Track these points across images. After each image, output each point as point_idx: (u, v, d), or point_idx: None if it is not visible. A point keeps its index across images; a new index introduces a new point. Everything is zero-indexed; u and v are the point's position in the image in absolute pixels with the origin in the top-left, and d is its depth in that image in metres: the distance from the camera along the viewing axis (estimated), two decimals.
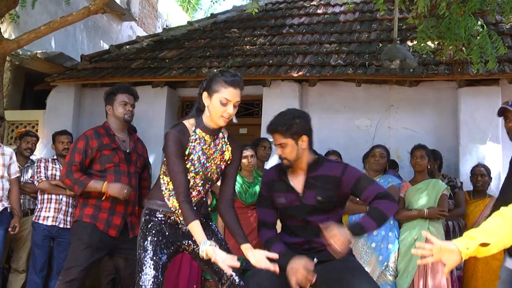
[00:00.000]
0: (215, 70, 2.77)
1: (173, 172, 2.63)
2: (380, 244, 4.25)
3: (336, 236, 2.47)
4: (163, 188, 2.79)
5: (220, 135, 2.80)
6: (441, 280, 4.21)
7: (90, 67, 6.93)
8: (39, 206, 4.89)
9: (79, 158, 3.51)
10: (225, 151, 2.81)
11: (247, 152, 4.61)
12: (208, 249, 2.49)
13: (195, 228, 2.57)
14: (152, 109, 6.38)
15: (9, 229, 4.62)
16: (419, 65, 5.69)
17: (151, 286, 2.62)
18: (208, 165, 2.75)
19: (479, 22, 4.78)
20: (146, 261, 2.67)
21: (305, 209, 2.77)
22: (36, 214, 4.87)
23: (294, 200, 2.81)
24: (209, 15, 9.02)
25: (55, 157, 5.08)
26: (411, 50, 5.83)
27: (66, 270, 3.43)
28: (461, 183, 5.07)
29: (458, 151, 5.56)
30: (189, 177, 2.69)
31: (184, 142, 2.65)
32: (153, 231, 2.74)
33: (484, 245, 2.06)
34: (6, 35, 6.29)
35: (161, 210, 2.78)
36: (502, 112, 2.99)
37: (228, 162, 2.83)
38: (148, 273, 2.64)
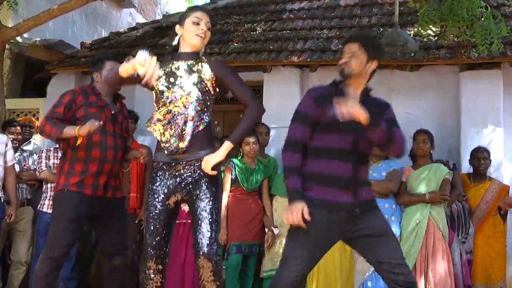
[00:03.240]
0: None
1: None
2: None
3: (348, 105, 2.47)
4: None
5: (198, 61, 2.92)
6: (443, 264, 4.24)
7: (90, 55, 6.89)
8: (43, 195, 4.86)
9: (61, 111, 3.38)
10: (197, 71, 2.89)
11: (250, 139, 4.60)
12: None
13: None
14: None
15: (6, 217, 4.60)
16: (420, 49, 5.65)
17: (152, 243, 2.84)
18: (169, 95, 2.88)
19: (482, 4, 4.74)
20: (148, 216, 2.86)
21: (361, 125, 2.56)
22: (40, 202, 4.85)
23: None
24: (209, 1, 8.94)
25: (57, 145, 5.07)
26: (412, 34, 5.79)
27: (50, 246, 3.25)
28: (454, 164, 5.03)
29: (459, 135, 5.54)
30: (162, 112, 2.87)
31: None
32: (153, 181, 2.88)
33: None
34: (5, 23, 6.25)
35: (155, 159, 2.92)
36: None
37: (214, 80, 2.89)
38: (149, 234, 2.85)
